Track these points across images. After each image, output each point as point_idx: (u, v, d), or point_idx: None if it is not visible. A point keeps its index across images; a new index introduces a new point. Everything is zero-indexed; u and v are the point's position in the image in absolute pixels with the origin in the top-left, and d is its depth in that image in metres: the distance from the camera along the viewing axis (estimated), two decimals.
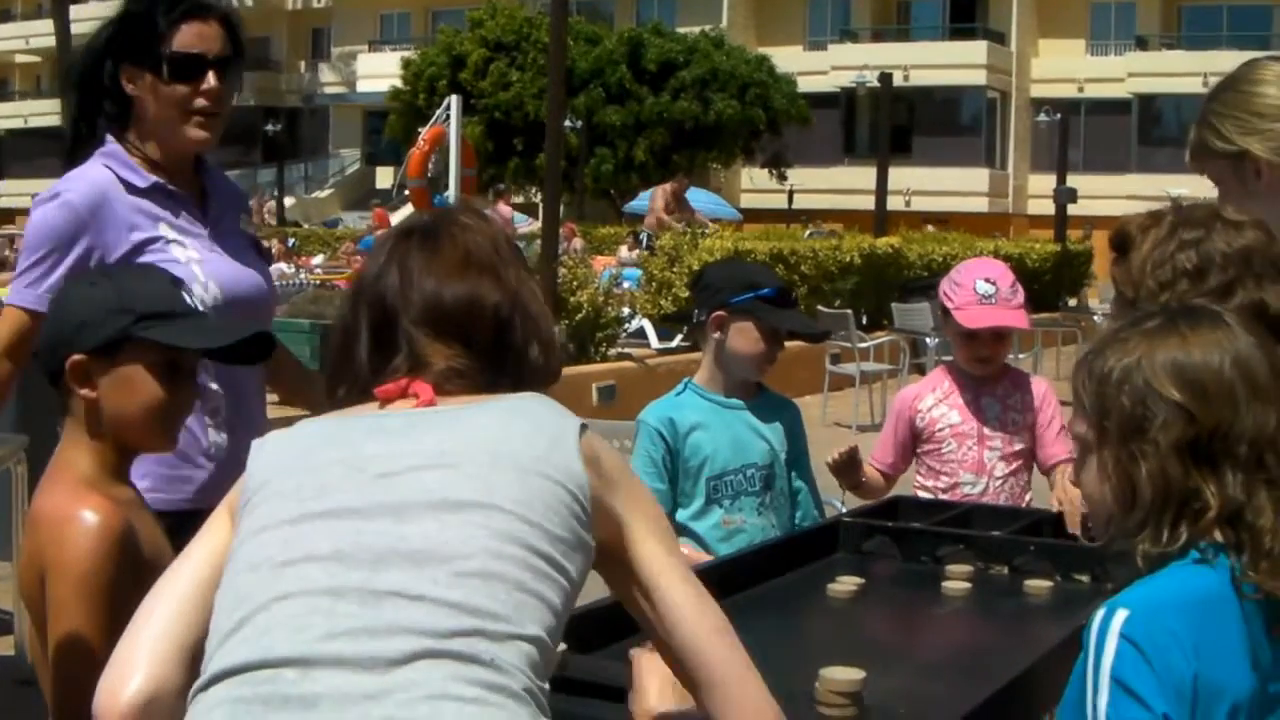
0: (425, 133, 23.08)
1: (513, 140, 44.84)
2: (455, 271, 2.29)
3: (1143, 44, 55.19)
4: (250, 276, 3.65)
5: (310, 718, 1.86)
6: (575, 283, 13.97)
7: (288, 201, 48.38)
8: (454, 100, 21.84)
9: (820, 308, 16.57)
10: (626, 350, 14.89)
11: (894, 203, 31.19)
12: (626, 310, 16.18)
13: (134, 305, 2.71)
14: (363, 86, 61.18)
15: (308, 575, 1.99)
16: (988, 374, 4.88)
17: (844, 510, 4.29)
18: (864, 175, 36.89)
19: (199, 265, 3.49)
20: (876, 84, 32.06)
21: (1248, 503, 2.15)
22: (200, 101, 3.51)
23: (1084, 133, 52.21)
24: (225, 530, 2.17)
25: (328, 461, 2.13)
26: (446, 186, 20.92)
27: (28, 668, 2.76)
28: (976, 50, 54.51)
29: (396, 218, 25.47)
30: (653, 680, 2.30)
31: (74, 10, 30.84)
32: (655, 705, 2.28)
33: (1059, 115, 36.78)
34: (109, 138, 3.53)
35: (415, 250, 2.32)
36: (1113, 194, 44.85)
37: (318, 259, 30.24)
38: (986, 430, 4.82)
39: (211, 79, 3.51)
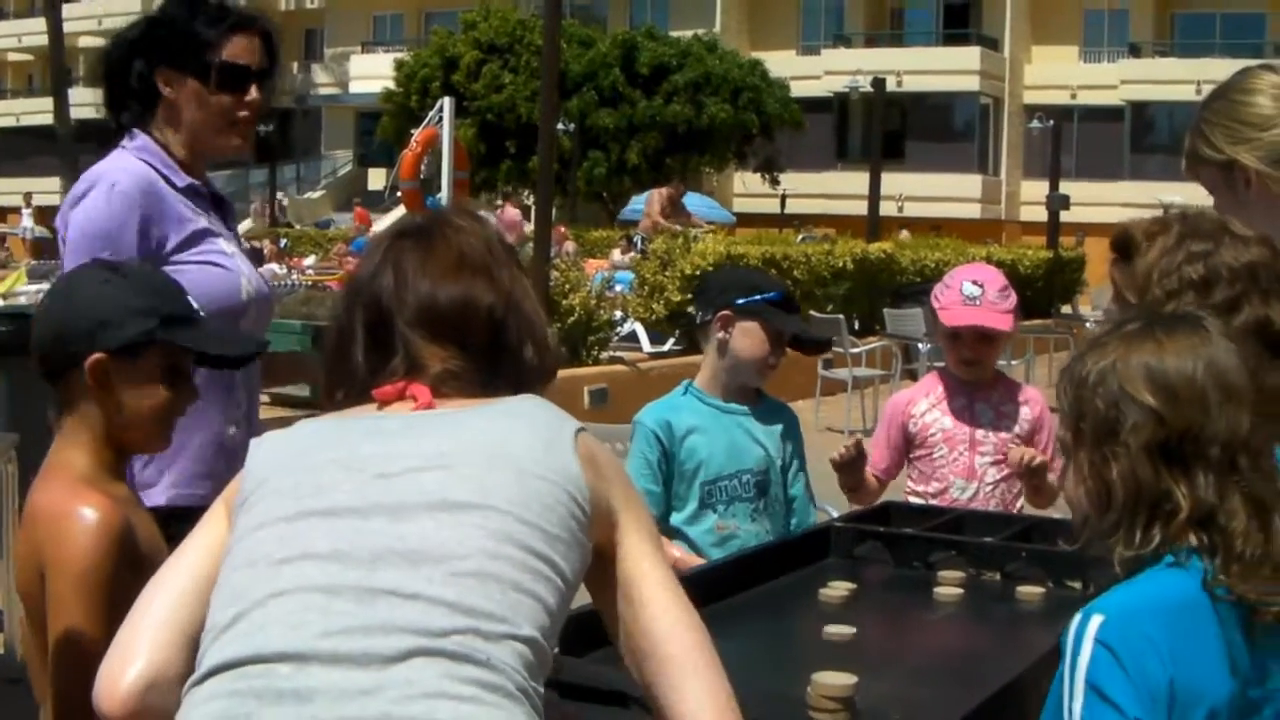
0: (418, 134, 23.14)
1: (505, 143, 44.80)
2: (449, 273, 2.30)
3: (1136, 51, 55.20)
4: (260, 279, 3.73)
5: (305, 712, 1.87)
6: (568, 286, 13.96)
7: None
8: (447, 102, 21.90)
9: (813, 313, 16.58)
10: (618, 354, 14.88)
11: (887, 208, 31.29)
12: (619, 314, 16.18)
13: (158, 307, 2.74)
14: (355, 88, 61.10)
15: (304, 573, 2.00)
16: (976, 378, 4.88)
17: (836, 515, 4.28)
18: (857, 180, 36.93)
19: (241, 261, 3.56)
20: (869, 89, 32.12)
21: (1220, 505, 2.16)
22: (243, 112, 3.60)
23: (1077, 139, 52.27)
24: (222, 524, 2.19)
25: (326, 461, 2.14)
26: (439, 188, 20.97)
27: (17, 666, 2.76)
28: (970, 56, 54.53)
29: (388, 219, 25.48)
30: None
31: (66, 9, 30.88)
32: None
33: (1052, 122, 36.80)
34: (138, 133, 3.55)
35: (409, 252, 2.33)
36: (1105, 201, 44.90)
37: (309, 260, 30.21)
38: (978, 435, 4.83)
39: (254, 91, 3.59)
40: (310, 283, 20.94)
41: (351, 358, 2.30)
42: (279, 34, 3.75)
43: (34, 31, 55.23)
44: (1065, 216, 31.96)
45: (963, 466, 4.83)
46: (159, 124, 3.56)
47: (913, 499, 4.87)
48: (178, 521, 2.67)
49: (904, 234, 30.07)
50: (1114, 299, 2.91)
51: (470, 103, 43.40)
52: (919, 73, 52.53)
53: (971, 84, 54.49)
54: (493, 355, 2.30)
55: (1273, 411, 2.30)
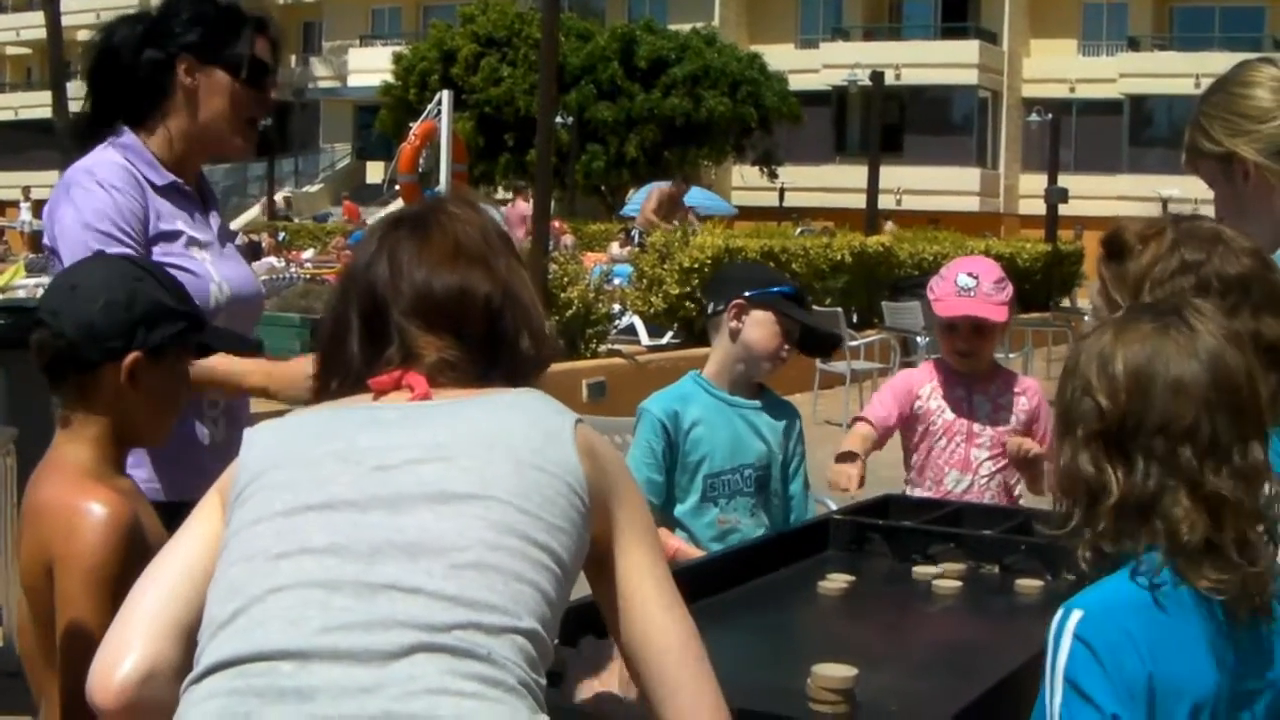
0: (416, 128, 23.09)
1: (504, 136, 44.81)
2: (445, 261, 2.28)
3: (1134, 45, 55.21)
4: (249, 277, 3.72)
5: (306, 710, 1.86)
6: (566, 279, 13.96)
7: (277, 196, 48.30)
8: (445, 95, 21.87)
9: (811, 306, 16.55)
10: (617, 347, 14.89)
11: (885, 201, 31.27)
12: (617, 307, 16.18)
13: (188, 308, 2.81)
14: (354, 81, 61.10)
15: (303, 568, 1.98)
16: (971, 370, 4.89)
17: (835, 508, 4.28)
18: (855, 174, 36.89)
19: (212, 265, 3.52)
20: (868, 82, 32.08)
21: (1161, 495, 2.15)
22: (258, 110, 3.61)
23: (1075, 133, 52.29)
24: (216, 515, 2.17)
25: (323, 454, 2.12)
26: (437, 182, 20.93)
27: (16, 659, 2.76)
28: (968, 49, 54.52)
29: (384, 213, 25.45)
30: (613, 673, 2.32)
31: (64, 3, 30.83)
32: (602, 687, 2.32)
33: (1050, 115, 36.76)
34: (126, 130, 3.52)
35: (405, 240, 2.31)
36: (1104, 194, 45.01)
37: (308, 253, 30.17)
38: (975, 428, 4.83)
39: (271, 92, 3.62)
40: (308, 276, 20.92)
41: (346, 347, 2.28)
42: (283, 40, 3.75)
43: (32, 25, 55.18)
44: (1064, 210, 31.93)
45: (959, 458, 4.83)
46: (156, 118, 3.54)
47: (908, 489, 4.88)
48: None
49: (889, 225, 30.06)
50: (1100, 295, 2.91)
51: (468, 96, 43.39)
52: (917, 66, 52.49)
53: (970, 77, 54.49)
54: (489, 345, 2.28)
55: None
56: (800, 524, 4.29)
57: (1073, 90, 54.83)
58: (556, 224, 23.29)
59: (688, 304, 15.74)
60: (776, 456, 4.41)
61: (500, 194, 43.23)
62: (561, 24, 24.80)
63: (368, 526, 2.01)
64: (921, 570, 3.65)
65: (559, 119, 34.60)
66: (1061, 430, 2.27)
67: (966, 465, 4.83)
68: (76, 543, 2.55)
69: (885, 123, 36.09)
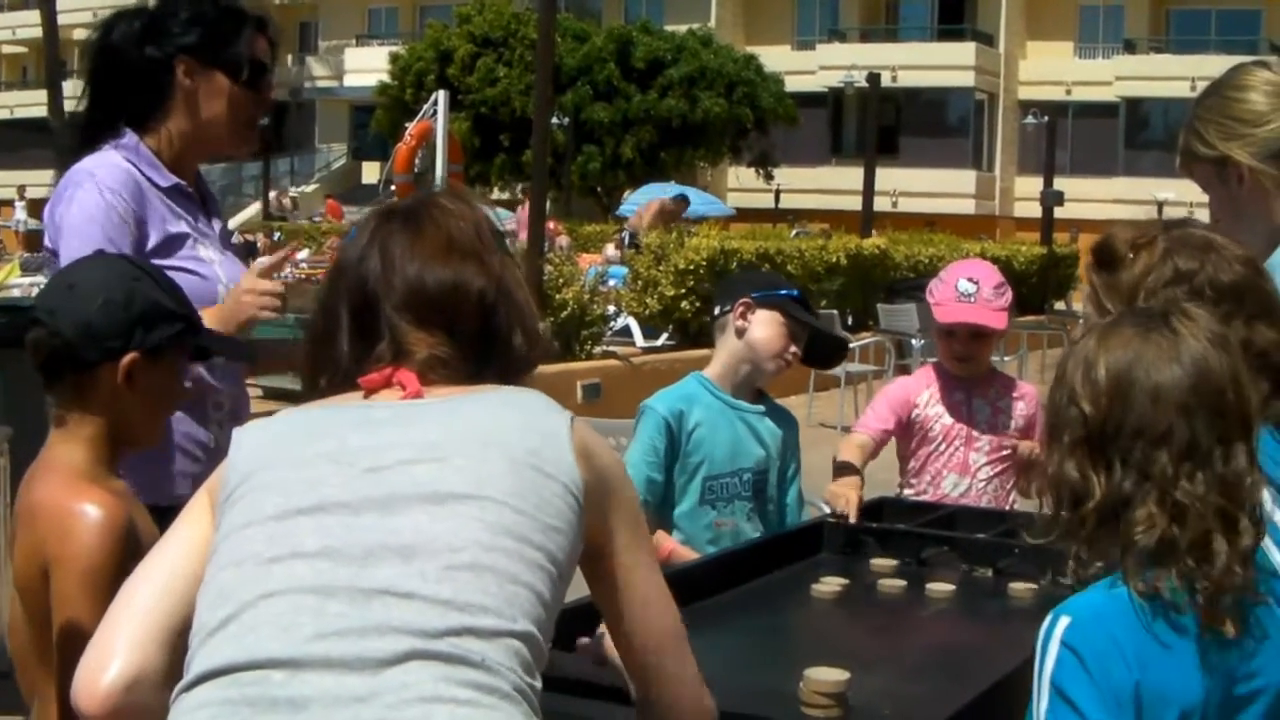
0: (412, 128, 23.04)
1: (499, 136, 44.80)
2: (438, 256, 2.25)
3: (1131, 47, 55.25)
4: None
5: None
6: (561, 280, 13.95)
7: (272, 195, 48.21)
8: (441, 96, 21.83)
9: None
10: (611, 348, 14.87)
11: (881, 203, 31.25)
12: (612, 308, 16.17)
13: (185, 310, 2.79)
14: (350, 81, 61.09)
15: (295, 573, 1.95)
16: (969, 374, 4.88)
17: (828, 511, 4.28)
18: (851, 175, 36.95)
19: (219, 267, 3.52)
20: (864, 84, 32.12)
21: (1133, 499, 2.15)
22: (257, 111, 3.60)
23: (1071, 136, 52.34)
24: (205, 517, 2.14)
25: (314, 455, 2.09)
26: (433, 182, 20.89)
27: (7, 660, 2.75)
28: (964, 52, 54.55)
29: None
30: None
31: (60, 1, 30.77)
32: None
33: (1046, 118, 36.78)
34: (127, 131, 3.50)
35: (397, 234, 2.27)
36: (1099, 197, 45.01)
37: (303, 253, 30.15)
38: (975, 432, 4.82)
39: (270, 93, 3.62)
40: (304, 275, 20.91)
41: (336, 343, 2.24)
42: (279, 39, 3.75)
43: (28, 24, 55.13)
44: (1059, 213, 31.94)
45: (957, 462, 4.83)
46: (156, 119, 3.52)
47: (906, 491, 4.87)
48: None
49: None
50: (1091, 303, 2.90)
51: (465, 96, 43.37)
52: (914, 68, 52.52)
53: (966, 79, 54.51)
54: (481, 342, 2.25)
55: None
56: (794, 527, 4.29)
57: (1069, 93, 54.88)
58: (551, 225, 23.26)
59: (683, 306, 15.75)
60: (775, 462, 4.41)
61: (496, 194, 43.25)
62: (558, 24, 24.81)
63: (361, 529, 1.98)
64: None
65: (555, 120, 34.58)
66: (1049, 436, 2.27)
67: (965, 469, 4.82)
68: (72, 544, 2.54)
69: (881, 124, 36.10)
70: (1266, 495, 2.41)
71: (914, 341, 16.47)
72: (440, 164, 20.53)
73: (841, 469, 4.47)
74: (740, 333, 4.34)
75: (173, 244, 3.43)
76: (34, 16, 40.68)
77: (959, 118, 56.03)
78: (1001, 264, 20.88)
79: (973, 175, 54.37)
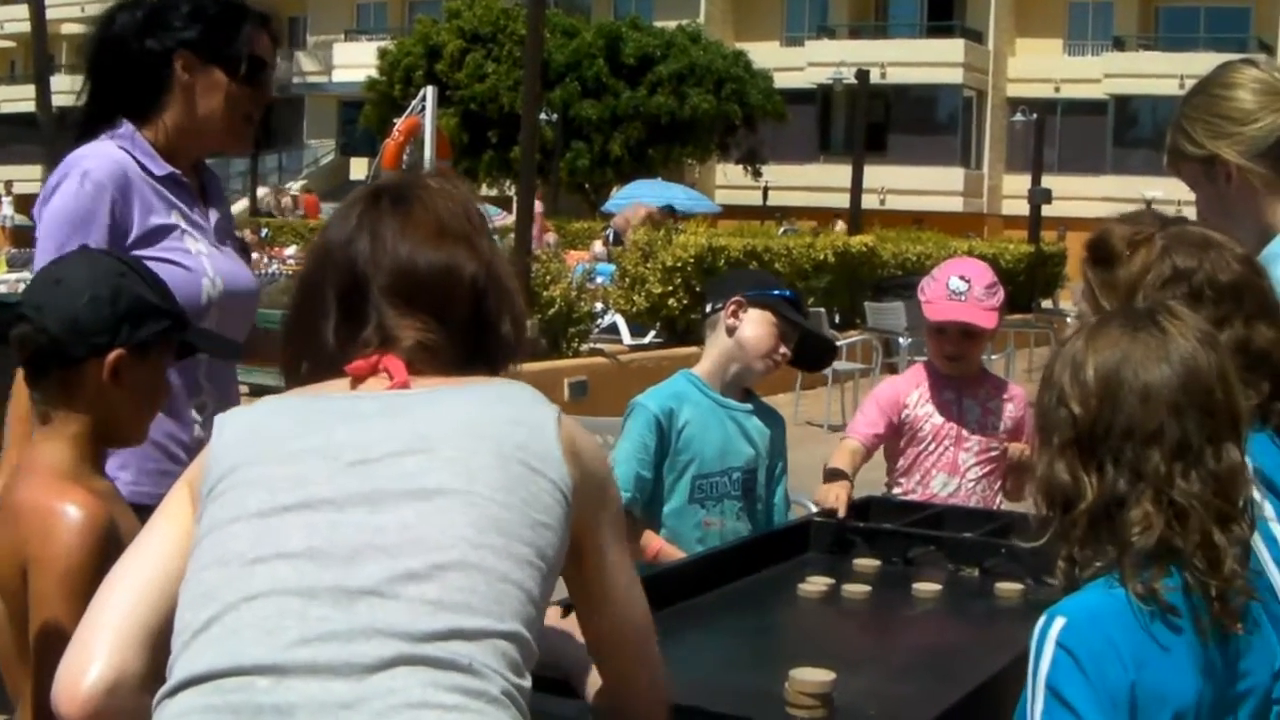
0: (400, 124, 23.07)
1: (488, 132, 44.78)
2: (429, 239, 2.20)
3: (1120, 45, 55.32)
4: (245, 276, 3.68)
5: None
6: (548, 277, 13.94)
7: (260, 191, 48.15)
8: (429, 91, 21.88)
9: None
10: (599, 346, 14.88)
11: (869, 201, 31.28)
12: (599, 305, 16.18)
13: (172, 306, 2.77)
14: (338, 76, 61.04)
15: (279, 574, 1.92)
16: (959, 374, 4.88)
17: (815, 510, 4.27)
18: (839, 173, 36.94)
19: (208, 260, 3.49)
20: (853, 81, 32.17)
21: (1127, 499, 2.15)
22: (254, 107, 3.58)
23: (1060, 133, 52.35)
24: (185, 511, 2.10)
25: (300, 450, 2.05)
26: None
27: None
28: (954, 49, 54.60)
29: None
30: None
31: None
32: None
33: (1035, 115, 36.84)
34: (124, 121, 3.49)
35: (387, 215, 2.22)
36: (1088, 195, 45.08)
37: (291, 250, 30.13)
38: (965, 432, 4.82)
39: (269, 90, 3.60)
40: (291, 272, 20.88)
41: (319, 328, 2.20)
42: (281, 36, 3.74)
43: (16, 19, 55.08)
44: (1047, 211, 32.00)
45: (946, 461, 4.82)
46: (153, 112, 3.51)
47: (894, 491, 4.87)
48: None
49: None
50: (1087, 299, 2.90)
51: (453, 92, 43.37)
52: (903, 65, 52.57)
53: (955, 76, 54.57)
54: (471, 329, 2.21)
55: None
56: (781, 526, 4.28)
57: (1057, 90, 54.95)
58: (537, 225, 23.28)
59: (670, 303, 15.75)
60: (763, 461, 4.40)
61: (484, 190, 43.22)
62: (547, 20, 24.80)
63: (347, 526, 1.94)
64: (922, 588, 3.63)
65: (543, 116, 34.56)
66: (1039, 439, 2.27)
67: (954, 469, 4.81)
68: (52, 545, 2.53)
69: (870, 122, 36.08)
70: (1267, 504, 2.42)
71: (901, 340, 16.50)
72: (428, 160, 20.54)
73: (832, 477, 4.44)
74: (731, 331, 4.33)
75: (157, 234, 3.41)
76: (22, 11, 40.61)
77: (947, 115, 56.08)
78: (989, 262, 20.84)
79: (961, 173, 54.39)
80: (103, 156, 3.40)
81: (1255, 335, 2.61)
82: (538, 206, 24.81)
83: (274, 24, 3.62)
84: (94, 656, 1.98)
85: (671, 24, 48.72)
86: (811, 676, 2.56)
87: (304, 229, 35.89)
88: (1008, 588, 3.53)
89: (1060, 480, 2.19)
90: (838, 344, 15.35)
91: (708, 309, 4.45)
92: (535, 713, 1.97)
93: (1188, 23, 54.27)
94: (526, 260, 13.19)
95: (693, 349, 4.53)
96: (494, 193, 43.24)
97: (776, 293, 4.37)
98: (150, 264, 3.09)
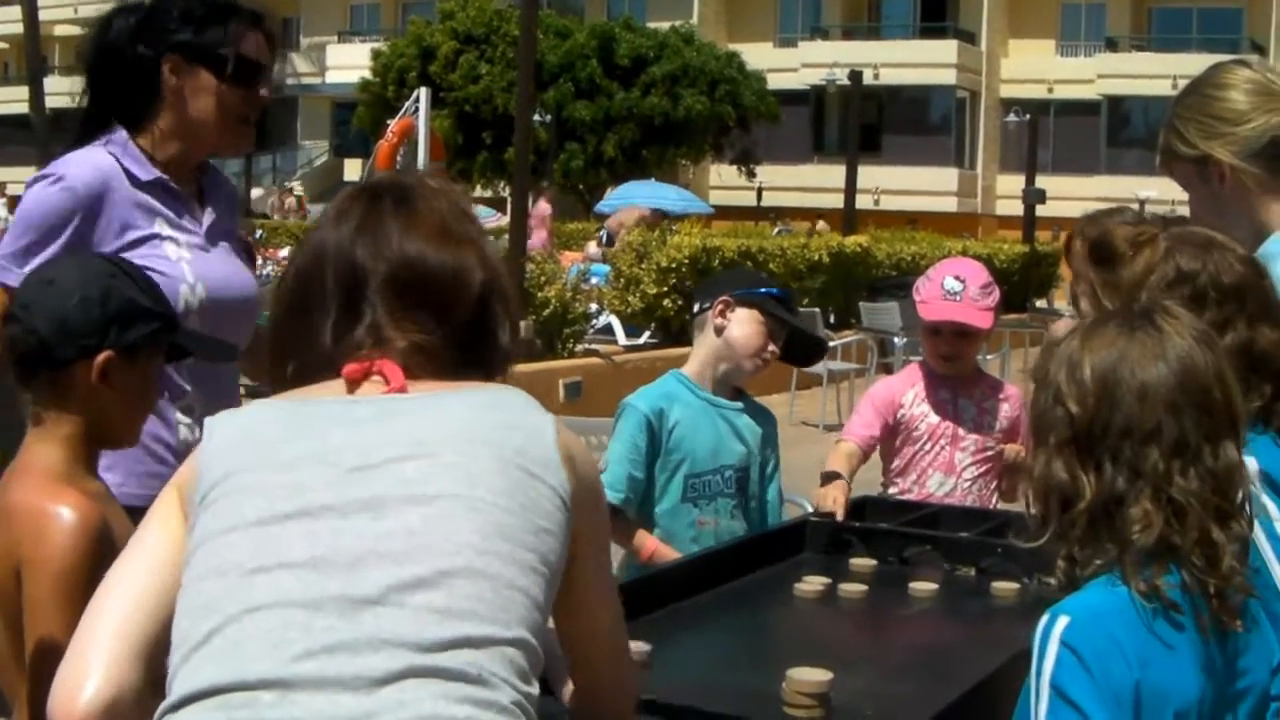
0: (394, 125, 23.02)
1: (482, 134, 44.75)
2: (436, 238, 2.16)
3: (1113, 45, 55.39)
4: (240, 278, 3.63)
5: None
6: (543, 278, 13.94)
7: (256, 192, 48.10)
8: (423, 92, 21.83)
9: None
10: (593, 347, 14.87)
11: (863, 201, 31.27)
12: (594, 306, 16.17)
13: (162, 308, 2.77)
14: (331, 78, 61.03)
15: (282, 585, 1.87)
16: (955, 374, 4.88)
17: (811, 510, 4.27)
18: (833, 173, 36.96)
19: (189, 265, 3.47)
20: (846, 82, 32.15)
21: (1126, 498, 2.15)
22: (248, 108, 3.56)
23: (1053, 134, 52.43)
24: (176, 517, 2.04)
25: (295, 456, 1.99)
26: None
27: None
28: (947, 49, 54.64)
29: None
30: None
31: None
32: None
33: (1028, 116, 36.87)
34: (118, 127, 3.49)
35: (390, 214, 2.17)
36: (1081, 195, 44.89)
37: (285, 251, 30.08)
38: (961, 431, 4.82)
39: (263, 89, 3.57)
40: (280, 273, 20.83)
41: (314, 326, 2.14)
42: (278, 35, 3.73)
43: (9, 20, 54.99)
44: (1041, 211, 32.05)
45: (943, 461, 4.82)
46: (148, 117, 3.50)
47: (890, 490, 4.87)
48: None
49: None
50: (1087, 298, 2.90)
51: (447, 93, 43.31)
52: (896, 65, 52.58)
53: (948, 77, 54.60)
54: (470, 333, 2.17)
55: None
56: (777, 526, 4.28)
57: (1051, 91, 54.96)
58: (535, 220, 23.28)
59: (665, 304, 15.75)
60: (756, 459, 4.40)
61: (478, 192, 43.19)
62: (540, 21, 24.81)
63: (350, 533, 1.90)
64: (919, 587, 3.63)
65: (537, 117, 34.56)
66: (1035, 439, 2.27)
67: (950, 468, 4.82)
68: (45, 547, 2.52)
69: (863, 122, 36.19)
70: (1272, 504, 2.42)
71: (896, 340, 16.50)
72: (422, 161, 20.50)
73: (829, 480, 4.43)
74: (719, 330, 4.33)
75: (131, 245, 3.40)
76: (14, 12, 40.59)
77: (941, 115, 56.13)
78: (983, 262, 20.87)
79: (955, 173, 54.46)
80: (84, 164, 3.40)
81: (1258, 337, 2.61)
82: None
83: (268, 23, 3.60)
84: (90, 671, 1.93)
85: (665, 25, 48.68)
86: (808, 676, 2.56)
87: (298, 230, 35.84)
88: (1004, 587, 3.53)
89: (1058, 479, 2.19)
90: (832, 344, 15.44)
91: (695, 309, 4.45)
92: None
93: (1180, 23, 54.37)
94: (521, 261, 13.18)
95: (688, 349, 4.52)
96: (488, 194, 43.21)
97: (763, 291, 4.37)
98: None
